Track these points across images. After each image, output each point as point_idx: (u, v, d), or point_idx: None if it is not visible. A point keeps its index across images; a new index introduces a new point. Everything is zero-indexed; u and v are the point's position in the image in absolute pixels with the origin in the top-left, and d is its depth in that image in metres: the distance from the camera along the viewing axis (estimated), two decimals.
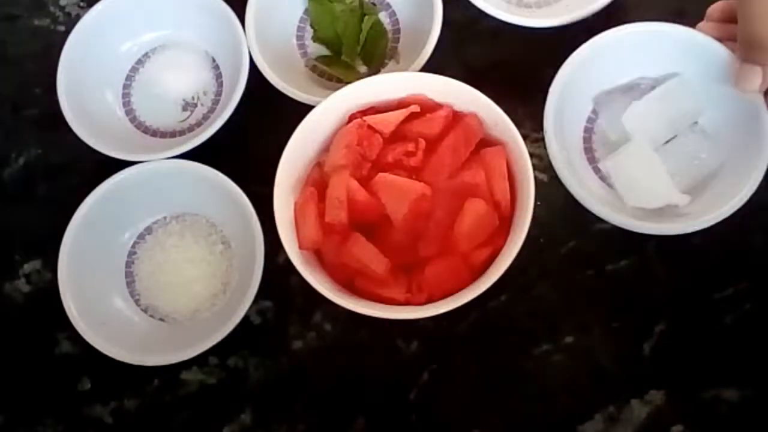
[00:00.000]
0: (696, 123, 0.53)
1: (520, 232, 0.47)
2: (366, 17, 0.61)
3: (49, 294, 0.55)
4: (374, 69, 0.61)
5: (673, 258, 0.54)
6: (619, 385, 0.52)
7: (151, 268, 0.57)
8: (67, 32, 0.60)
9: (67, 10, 0.67)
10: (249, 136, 0.59)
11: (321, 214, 0.49)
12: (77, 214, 0.55)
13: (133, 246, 0.58)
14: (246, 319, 0.52)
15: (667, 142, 0.53)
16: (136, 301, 0.57)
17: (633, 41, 0.52)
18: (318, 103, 0.51)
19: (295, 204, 0.51)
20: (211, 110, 0.62)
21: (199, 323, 0.55)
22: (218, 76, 0.63)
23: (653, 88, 0.53)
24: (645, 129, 0.52)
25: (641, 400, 0.51)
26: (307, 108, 0.51)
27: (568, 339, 0.53)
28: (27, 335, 0.58)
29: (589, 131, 0.55)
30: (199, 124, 0.61)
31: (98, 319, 0.54)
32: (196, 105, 0.62)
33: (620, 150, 0.52)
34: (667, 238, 0.54)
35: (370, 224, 0.50)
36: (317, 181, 0.52)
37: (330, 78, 0.61)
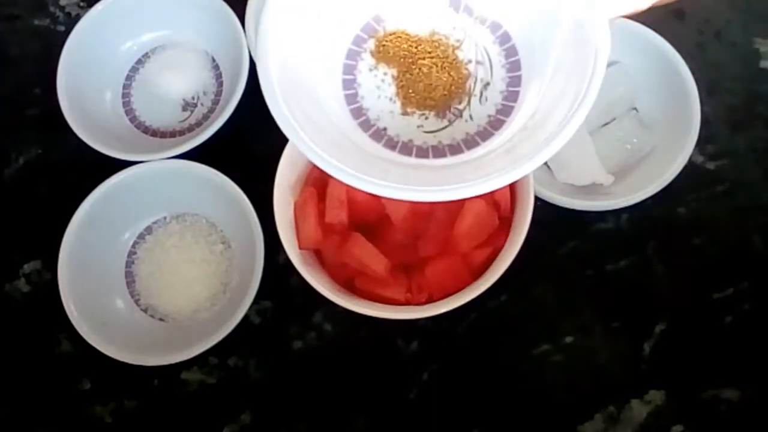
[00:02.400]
0: (635, 109, 0.56)
1: (520, 232, 0.47)
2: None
3: (49, 294, 0.55)
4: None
5: (673, 258, 0.54)
6: (619, 385, 0.52)
7: (151, 268, 0.57)
8: (67, 32, 0.60)
9: (67, 10, 0.67)
10: (249, 136, 0.59)
11: (321, 214, 0.49)
12: (77, 214, 0.55)
13: (133, 246, 0.58)
14: (246, 319, 0.52)
15: (605, 125, 0.55)
16: (136, 301, 0.57)
17: None
18: None
19: (295, 204, 0.51)
20: (211, 110, 0.62)
21: (199, 323, 0.55)
22: (218, 76, 0.63)
23: None
24: None
25: (641, 400, 0.51)
26: None
27: (568, 339, 0.53)
28: (27, 335, 0.58)
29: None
30: (199, 124, 0.61)
31: (98, 319, 0.53)
32: (196, 105, 0.62)
33: None
34: (667, 238, 0.55)
35: (370, 224, 0.50)
36: (317, 181, 0.52)
37: None
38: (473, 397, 0.53)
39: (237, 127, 0.57)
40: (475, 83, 0.45)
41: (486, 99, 0.45)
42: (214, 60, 0.63)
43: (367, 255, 0.48)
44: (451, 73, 0.45)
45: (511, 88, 0.45)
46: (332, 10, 0.45)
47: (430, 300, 0.48)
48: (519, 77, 0.45)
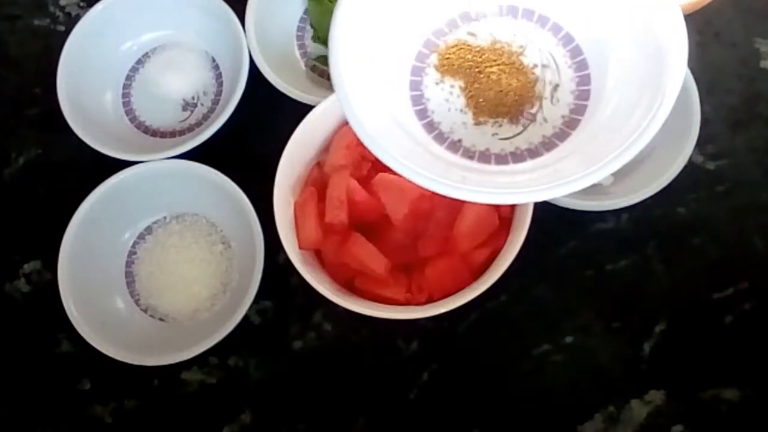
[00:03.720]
0: None
1: (520, 232, 0.47)
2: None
3: (49, 294, 0.55)
4: None
5: (673, 258, 0.54)
6: (619, 385, 0.52)
7: (151, 268, 0.57)
8: (67, 32, 0.60)
9: (67, 10, 0.67)
10: (249, 136, 0.59)
11: (321, 214, 0.49)
12: (77, 214, 0.55)
13: (133, 246, 0.58)
14: (246, 319, 0.52)
15: None
16: (136, 301, 0.57)
17: None
18: (318, 103, 0.51)
19: (295, 204, 0.51)
20: (211, 110, 0.62)
21: (199, 323, 0.55)
22: (218, 76, 0.63)
23: None
24: None
25: (641, 400, 0.51)
26: (307, 108, 0.51)
27: (568, 339, 0.53)
28: (27, 335, 0.58)
29: None
30: (199, 124, 0.61)
31: (98, 319, 0.53)
32: (196, 105, 0.62)
33: None
34: (667, 238, 0.55)
35: (370, 224, 0.50)
36: (317, 181, 0.52)
37: (330, 78, 0.61)
38: (473, 397, 0.53)
39: (237, 127, 0.57)
40: (544, 86, 0.45)
41: (558, 100, 0.45)
42: (214, 60, 0.63)
43: (367, 255, 0.48)
44: (519, 78, 0.46)
45: (581, 87, 0.45)
46: (393, 30, 0.46)
47: (430, 300, 0.48)
48: (588, 75, 0.45)
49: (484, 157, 0.45)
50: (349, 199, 0.48)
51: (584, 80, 0.45)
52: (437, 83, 0.47)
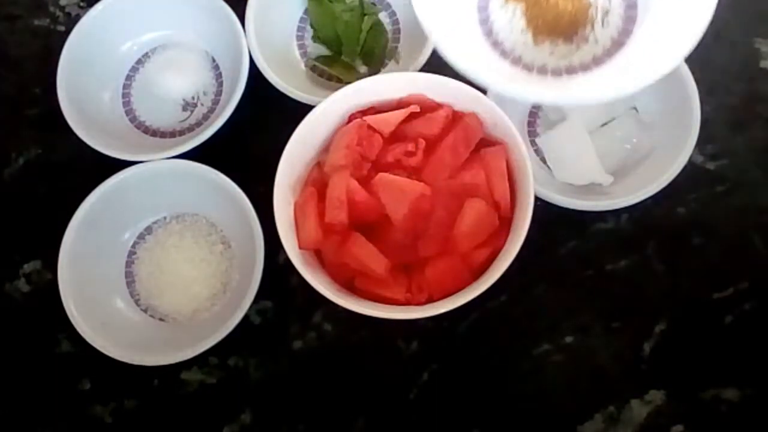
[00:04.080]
0: (635, 109, 0.56)
1: (520, 232, 0.47)
2: (366, 17, 0.61)
3: (49, 294, 0.55)
4: (374, 69, 0.61)
5: (673, 258, 0.54)
6: (619, 385, 0.52)
7: (151, 268, 0.57)
8: (67, 32, 0.60)
9: (67, 10, 0.67)
10: (249, 136, 0.59)
11: (321, 214, 0.49)
12: (77, 214, 0.55)
13: (133, 246, 0.58)
14: (246, 319, 0.52)
15: (605, 124, 0.56)
16: (136, 301, 0.57)
17: None
18: (318, 103, 0.51)
19: (295, 204, 0.51)
20: (211, 110, 0.62)
21: (199, 323, 0.55)
22: (218, 76, 0.63)
23: None
24: (582, 110, 0.55)
25: (641, 400, 0.51)
26: (307, 108, 0.51)
27: (568, 339, 0.53)
28: (27, 335, 0.58)
29: (537, 107, 0.58)
30: (199, 124, 0.61)
31: (98, 319, 0.54)
32: (196, 105, 0.62)
33: (556, 128, 0.55)
34: (667, 238, 0.55)
35: (370, 224, 0.50)
36: (317, 181, 0.52)
37: (330, 78, 0.61)
38: (473, 397, 0.53)
39: (237, 127, 0.57)
40: (596, 11, 0.51)
41: (608, 24, 0.51)
42: (214, 60, 0.63)
43: (367, 255, 0.48)
44: (575, 3, 0.51)
45: (629, 12, 0.50)
46: None
47: (430, 300, 0.48)
48: (635, 2, 0.50)
49: (542, 70, 0.50)
50: (349, 199, 0.48)
51: (632, 4, 0.50)
52: (501, 6, 0.52)
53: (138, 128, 0.62)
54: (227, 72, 0.62)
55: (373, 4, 0.62)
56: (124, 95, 0.63)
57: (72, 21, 0.64)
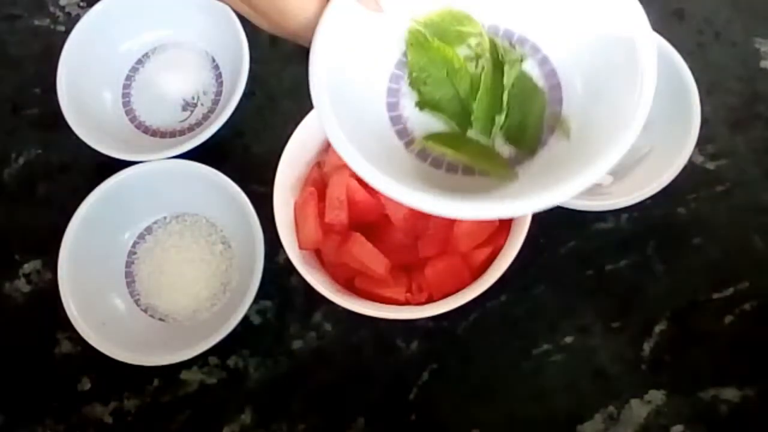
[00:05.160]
0: None
1: (520, 232, 0.47)
2: (507, 67, 0.40)
3: (49, 294, 0.55)
4: (527, 150, 0.40)
5: (673, 258, 0.54)
6: (619, 385, 0.52)
7: (151, 268, 0.57)
8: (67, 32, 0.60)
9: (67, 10, 0.67)
10: (249, 136, 0.59)
11: (321, 214, 0.49)
12: (77, 214, 0.55)
13: (133, 246, 0.58)
14: (246, 319, 0.52)
15: None
16: (136, 301, 0.57)
17: None
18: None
19: (295, 204, 0.51)
20: (211, 110, 0.62)
21: (199, 323, 0.55)
22: (218, 76, 0.63)
23: None
24: None
25: (641, 400, 0.51)
26: (307, 109, 0.51)
27: (568, 339, 0.53)
28: (27, 335, 0.57)
29: None
30: (199, 124, 0.61)
31: (98, 319, 0.54)
32: (196, 105, 0.62)
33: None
34: (667, 238, 0.55)
35: (370, 224, 0.50)
36: (317, 181, 0.52)
37: (452, 169, 0.41)
38: (473, 397, 0.53)
39: (237, 127, 0.57)
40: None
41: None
42: (214, 60, 0.63)
43: (367, 255, 0.48)
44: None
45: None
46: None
47: (430, 300, 0.48)
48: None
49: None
50: (349, 199, 0.48)
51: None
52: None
53: (138, 128, 0.62)
54: (227, 72, 0.62)
55: (512, 45, 0.41)
56: (124, 95, 0.63)
57: (72, 21, 0.64)
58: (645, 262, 0.54)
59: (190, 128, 0.61)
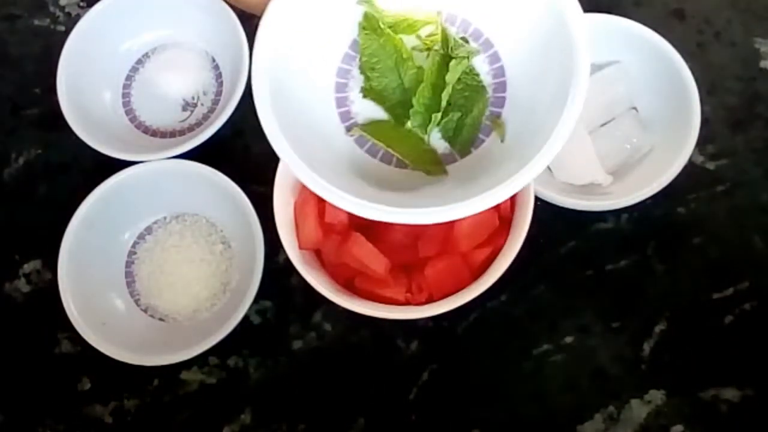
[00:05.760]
0: (635, 109, 0.56)
1: (520, 232, 0.47)
2: (453, 61, 0.39)
3: (49, 294, 0.55)
4: (461, 150, 0.41)
5: (673, 258, 0.54)
6: (619, 385, 0.52)
7: (151, 268, 0.57)
8: (67, 32, 0.60)
9: (67, 10, 0.67)
10: (249, 136, 0.59)
11: (321, 214, 0.49)
12: (77, 214, 0.55)
13: (133, 246, 0.58)
14: (246, 319, 0.52)
15: (605, 124, 0.55)
16: (136, 301, 0.57)
17: None
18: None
19: (295, 204, 0.51)
20: (211, 110, 0.62)
21: (199, 323, 0.55)
22: (218, 76, 0.63)
23: (593, 73, 0.54)
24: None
25: (641, 400, 0.51)
26: None
27: (568, 339, 0.53)
28: (27, 335, 0.57)
29: None
30: (199, 124, 0.61)
31: (98, 319, 0.53)
32: (196, 105, 0.62)
33: None
34: (667, 238, 0.55)
35: (370, 224, 0.50)
36: None
37: (386, 159, 0.43)
38: (473, 397, 0.53)
39: (237, 127, 0.57)
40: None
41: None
42: (214, 60, 0.63)
43: (367, 255, 0.48)
44: None
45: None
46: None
47: (430, 300, 0.48)
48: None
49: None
50: None
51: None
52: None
53: (138, 128, 0.62)
54: (227, 72, 0.62)
55: (465, 40, 0.41)
56: (124, 95, 0.63)
57: (72, 21, 0.64)
58: (645, 262, 0.54)
59: (190, 128, 0.61)
